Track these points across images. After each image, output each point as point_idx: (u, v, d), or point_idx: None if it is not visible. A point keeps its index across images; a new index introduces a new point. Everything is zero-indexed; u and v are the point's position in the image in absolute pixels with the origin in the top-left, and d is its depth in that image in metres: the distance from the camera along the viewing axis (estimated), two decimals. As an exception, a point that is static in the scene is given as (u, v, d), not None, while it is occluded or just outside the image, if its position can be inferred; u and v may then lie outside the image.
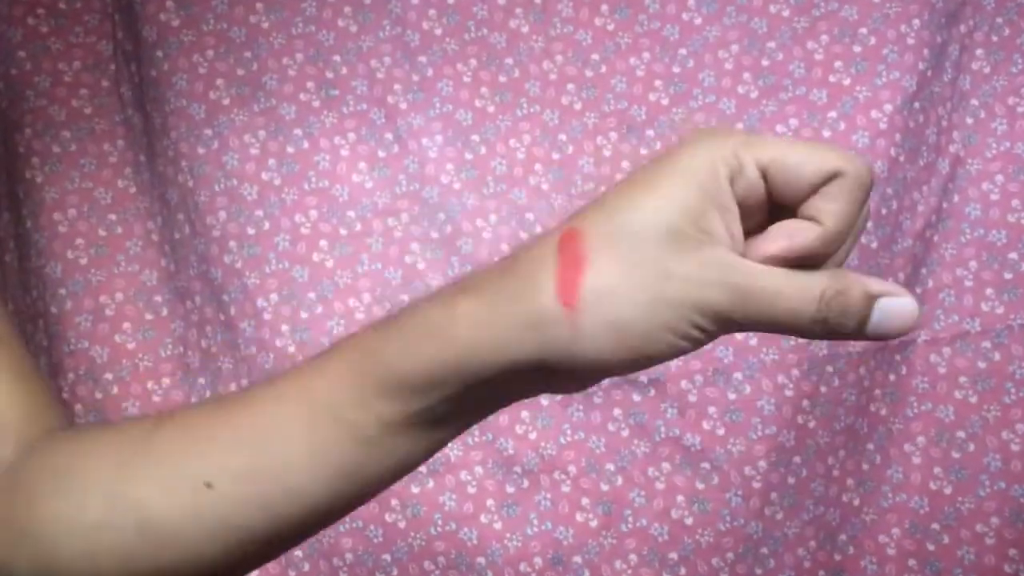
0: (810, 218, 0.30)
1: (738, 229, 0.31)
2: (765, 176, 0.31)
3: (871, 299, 0.30)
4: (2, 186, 0.82)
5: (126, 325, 0.79)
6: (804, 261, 0.31)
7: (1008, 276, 0.78)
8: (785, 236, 0.31)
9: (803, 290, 0.30)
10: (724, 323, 0.30)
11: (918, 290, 0.80)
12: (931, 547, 0.78)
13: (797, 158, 0.30)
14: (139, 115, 0.79)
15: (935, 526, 0.78)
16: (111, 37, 0.80)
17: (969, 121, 0.79)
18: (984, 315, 0.78)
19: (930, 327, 0.79)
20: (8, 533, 0.35)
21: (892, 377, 0.78)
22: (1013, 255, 0.78)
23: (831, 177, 0.30)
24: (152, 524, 0.33)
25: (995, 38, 0.79)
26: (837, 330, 0.30)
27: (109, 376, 0.78)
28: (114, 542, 0.33)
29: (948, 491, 0.78)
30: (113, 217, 0.79)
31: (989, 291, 0.78)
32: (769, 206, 0.32)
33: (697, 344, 0.31)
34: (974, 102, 0.79)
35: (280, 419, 0.33)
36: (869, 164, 0.31)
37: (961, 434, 0.78)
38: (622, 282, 0.30)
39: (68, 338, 0.78)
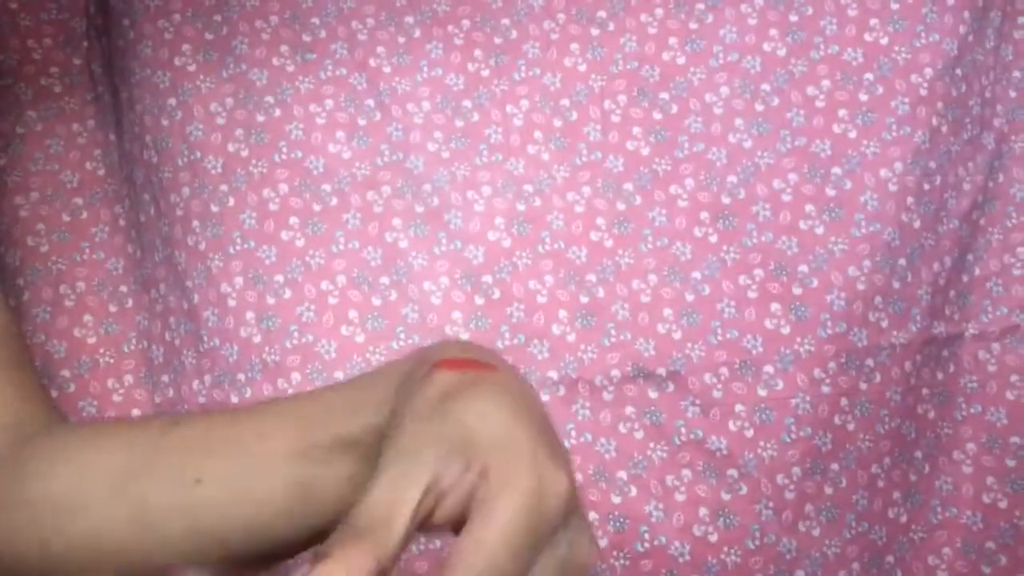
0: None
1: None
2: None
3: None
4: (-37, 172, 0.77)
5: (87, 318, 0.72)
6: None
7: None
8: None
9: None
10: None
11: (964, 278, 0.72)
12: (986, 569, 0.71)
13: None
14: (108, 92, 0.74)
15: (990, 545, 0.71)
16: (84, 12, 0.75)
17: (1012, 94, 0.72)
18: None
19: (977, 320, 0.72)
20: (4, 515, 0.37)
21: (940, 375, 0.71)
22: None
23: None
24: (144, 515, 0.35)
25: None
26: None
27: (66, 373, 0.71)
28: (111, 531, 0.35)
29: (1003, 504, 0.71)
30: (79, 201, 0.74)
31: None
32: None
33: None
34: (1016, 74, 0.72)
35: (266, 439, 0.35)
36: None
37: (1015, 439, 0.71)
38: None
39: (24, 332, 0.72)
